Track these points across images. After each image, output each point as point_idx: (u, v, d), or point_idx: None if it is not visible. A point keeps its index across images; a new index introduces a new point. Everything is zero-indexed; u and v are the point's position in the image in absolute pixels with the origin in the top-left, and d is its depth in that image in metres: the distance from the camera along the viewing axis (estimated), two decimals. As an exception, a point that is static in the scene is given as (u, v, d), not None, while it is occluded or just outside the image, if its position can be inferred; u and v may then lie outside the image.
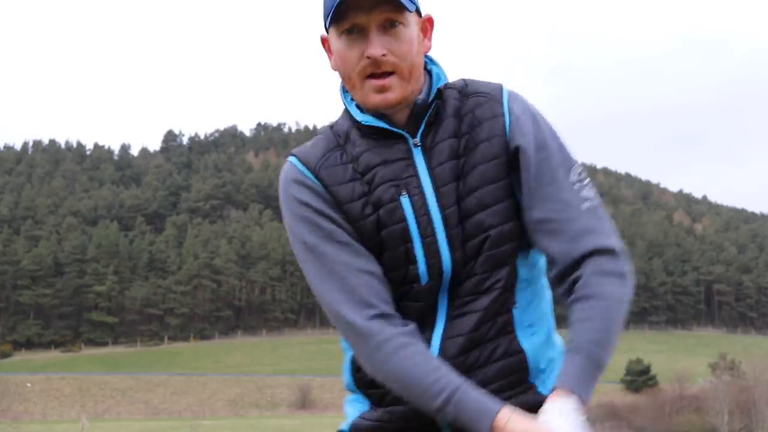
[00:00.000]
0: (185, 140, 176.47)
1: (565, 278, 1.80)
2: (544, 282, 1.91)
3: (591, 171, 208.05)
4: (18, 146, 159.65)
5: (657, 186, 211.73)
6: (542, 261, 1.88)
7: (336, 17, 1.71)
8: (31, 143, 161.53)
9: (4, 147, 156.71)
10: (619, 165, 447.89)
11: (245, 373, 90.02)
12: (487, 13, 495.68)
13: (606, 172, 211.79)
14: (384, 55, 1.70)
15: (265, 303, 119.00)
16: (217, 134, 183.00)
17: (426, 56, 1.83)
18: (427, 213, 1.77)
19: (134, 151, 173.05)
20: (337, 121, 1.89)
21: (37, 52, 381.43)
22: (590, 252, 1.77)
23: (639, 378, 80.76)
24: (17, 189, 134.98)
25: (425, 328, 1.80)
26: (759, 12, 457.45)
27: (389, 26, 1.72)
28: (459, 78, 1.91)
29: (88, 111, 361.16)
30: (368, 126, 1.79)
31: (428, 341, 1.79)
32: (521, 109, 1.84)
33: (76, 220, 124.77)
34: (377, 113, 1.78)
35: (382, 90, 1.73)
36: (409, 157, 1.78)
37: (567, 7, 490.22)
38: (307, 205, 1.79)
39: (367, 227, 1.78)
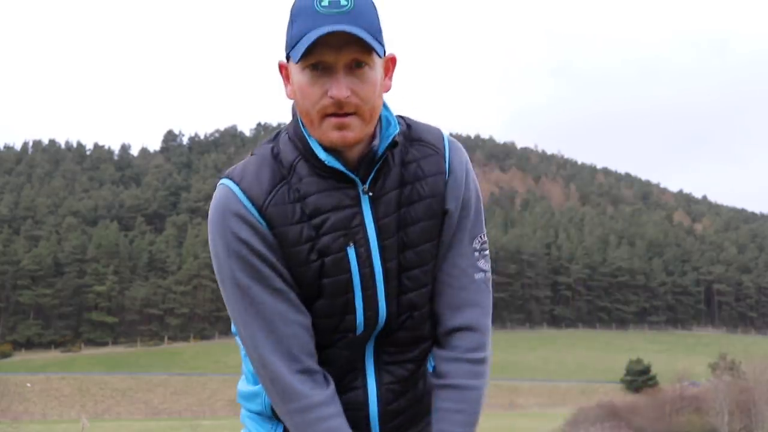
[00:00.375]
0: (185, 140, 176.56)
1: (438, 341, 1.89)
2: None
3: (591, 171, 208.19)
4: (18, 146, 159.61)
5: (657, 186, 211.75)
6: None
7: (303, 52, 1.67)
8: (31, 143, 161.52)
9: (4, 147, 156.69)
10: (619, 165, 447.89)
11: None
12: (487, 13, 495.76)
13: (606, 172, 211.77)
14: (348, 96, 1.68)
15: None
16: (217, 134, 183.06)
17: None
18: (371, 265, 1.78)
19: (134, 151, 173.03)
20: (280, 147, 1.82)
21: (37, 52, 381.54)
22: (465, 327, 1.87)
23: (639, 378, 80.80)
24: (17, 189, 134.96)
25: (355, 376, 1.84)
26: (759, 12, 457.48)
27: (355, 66, 1.69)
28: (397, 115, 1.89)
29: (88, 111, 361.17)
30: (323, 165, 1.76)
31: (361, 388, 1.85)
32: (459, 167, 1.85)
33: (76, 220, 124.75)
34: (330, 149, 1.75)
35: (341, 128, 1.70)
36: (357, 204, 1.77)
37: (567, 8, 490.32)
38: (245, 243, 1.73)
39: (309, 273, 1.76)
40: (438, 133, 1.89)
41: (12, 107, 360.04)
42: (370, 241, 1.78)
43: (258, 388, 1.91)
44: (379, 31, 1.73)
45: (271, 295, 1.75)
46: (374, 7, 1.75)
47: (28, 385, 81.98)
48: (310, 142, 1.76)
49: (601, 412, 53.82)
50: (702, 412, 52.78)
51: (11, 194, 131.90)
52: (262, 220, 1.74)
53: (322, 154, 1.74)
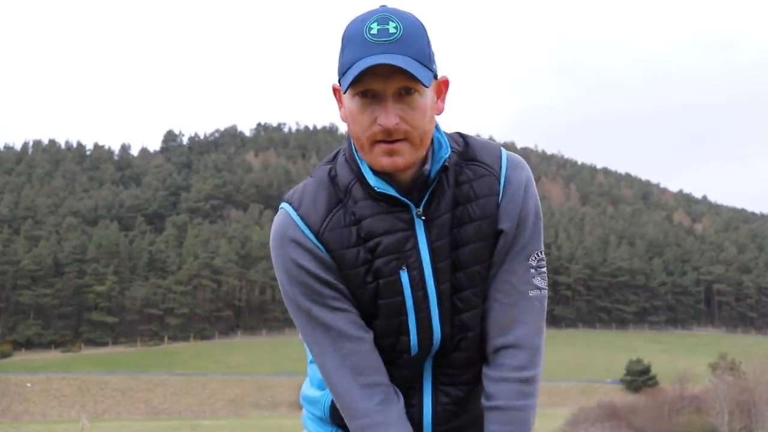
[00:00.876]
0: (185, 140, 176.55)
1: (486, 359, 1.89)
2: None
3: (591, 171, 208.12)
4: (18, 146, 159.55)
5: (657, 186, 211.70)
6: None
7: (351, 81, 1.69)
8: (31, 143, 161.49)
9: (4, 147, 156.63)
10: (619, 165, 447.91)
11: (245, 373, 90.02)
12: (492, 14, 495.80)
13: (606, 172, 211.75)
14: (396, 124, 1.70)
15: (265, 303, 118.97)
16: (217, 134, 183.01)
17: None
18: (424, 288, 1.82)
19: (134, 151, 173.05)
20: (337, 170, 1.85)
21: (37, 52, 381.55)
22: (512, 345, 1.85)
23: (639, 378, 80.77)
24: (17, 189, 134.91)
25: (412, 393, 1.89)
26: (760, 14, 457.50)
27: (405, 93, 1.71)
28: (457, 133, 1.93)
29: (88, 111, 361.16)
30: (375, 189, 1.79)
31: (417, 407, 1.89)
32: (517, 185, 1.86)
33: (76, 220, 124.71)
34: (382, 173, 1.79)
35: (391, 153, 1.73)
36: (411, 228, 1.80)
37: (571, 8, 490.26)
38: (304, 268, 1.79)
39: (366, 295, 1.81)
40: (495, 152, 1.88)
41: (12, 107, 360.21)
42: (424, 264, 1.80)
43: (320, 394, 1.97)
44: (429, 57, 1.73)
45: (334, 315, 1.79)
46: (424, 32, 1.75)
47: (28, 385, 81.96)
48: (362, 167, 1.80)
49: (602, 412, 53.84)
50: (702, 412, 52.81)
51: (11, 194, 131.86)
52: (319, 245, 1.78)
53: (372, 180, 1.78)
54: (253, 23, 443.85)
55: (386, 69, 1.68)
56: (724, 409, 50.78)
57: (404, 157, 1.73)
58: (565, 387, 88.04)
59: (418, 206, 1.80)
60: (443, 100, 1.83)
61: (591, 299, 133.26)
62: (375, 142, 1.73)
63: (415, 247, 1.80)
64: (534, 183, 1.90)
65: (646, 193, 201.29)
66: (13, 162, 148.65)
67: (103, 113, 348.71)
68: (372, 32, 1.70)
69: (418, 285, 1.81)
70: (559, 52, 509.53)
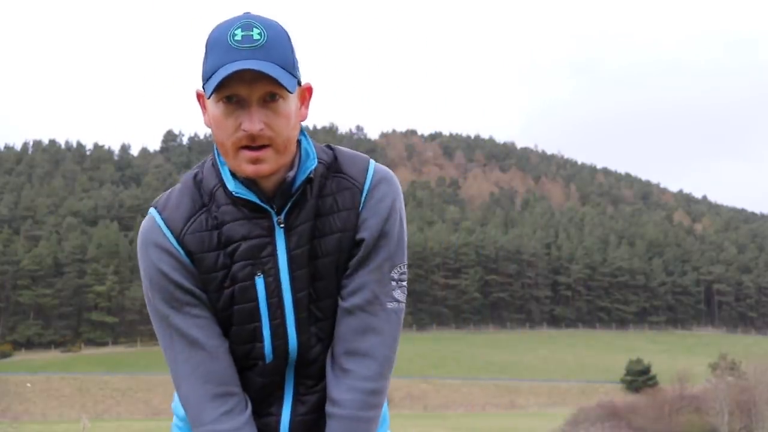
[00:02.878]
0: (185, 140, 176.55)
1: (334, 362, 1.88)
2: None
3: (591, 171, 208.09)
4: (18, 146, 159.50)
5: (657, 186, 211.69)
6: None
7: (215, 86, 1.70)
8: (31, 143, 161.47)
9: (4, 147, 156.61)
10: (619, 165, 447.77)
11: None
12: (494, 12, 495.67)
13: (606, 172, 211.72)
14: (261, 129, 1.70)
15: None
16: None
17: None
18: (279, 295, 1.82)
19: (134, 151, 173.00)
20: (203, 175, 1.86)
21: (37, 52, 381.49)
22: (363, 353, 1.84)
23: (639, 378, 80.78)
24: (17, 189, 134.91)
25: (271, 402, 1.90)
26: (762, 15, 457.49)
27: (269, 99, 1.71)
28: (326, 145, 1.93)
29: (88, 111, 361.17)
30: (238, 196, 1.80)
31: (275, 416, 1.90)
32: (379, 197, 1.86)
33: (76, 220, 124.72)
34: (246, 178, 1.79)
35: (255, 161, 1.73)
36: (270, 235, 1.80)
37: (570, 8, 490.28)
38: (164, 274, 1.79)
39: (223, 300, 1.82)
40: (363, 164, 1.89)
41: (12, 107, 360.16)
42: (281, 271, 1.81)
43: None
44: (293, 63, 1.75)
45: (190, 321, 1.81)
46: (288, 39, 1.76)
47: (28, 385, 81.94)
48: (222, 173, 1.81)
49: (602, 412, 53.85)
50: (702, 412, 52.79)
51: (11, 194, 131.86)
52: (180, 248, 1.79)
53: (231, 185, 1.79)
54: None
55: (251, 75, 1.68)
56: (724, 409, 50.77)
57: (269, 164, 1.74)
58: (565, 387, 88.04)
59: (279, 214, 1.81)
60: (307, 107, 1.84)
61: (591, 299, 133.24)
62: (239, 148, 1.73)
63: (273, 254, 1.80)
64: (401, 198, 1.90)
65: (646, 193, 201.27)
66: (13, 162, 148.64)
67: (103, 113, 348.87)
68: (236, 38, 1.70)
69: (274, 292, 1.82)
70: (561, 52, 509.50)
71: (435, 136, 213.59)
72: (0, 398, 75.90)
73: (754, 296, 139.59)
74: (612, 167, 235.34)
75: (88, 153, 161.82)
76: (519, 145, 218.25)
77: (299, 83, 1.79)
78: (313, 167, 1.83)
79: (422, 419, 66.79)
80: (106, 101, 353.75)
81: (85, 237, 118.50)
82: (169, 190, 1.88)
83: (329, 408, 1.86)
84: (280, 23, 1.79)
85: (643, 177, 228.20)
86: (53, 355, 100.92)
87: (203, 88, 1.76)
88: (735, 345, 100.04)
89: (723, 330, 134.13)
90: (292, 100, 1.76)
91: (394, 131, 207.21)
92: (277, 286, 1.82)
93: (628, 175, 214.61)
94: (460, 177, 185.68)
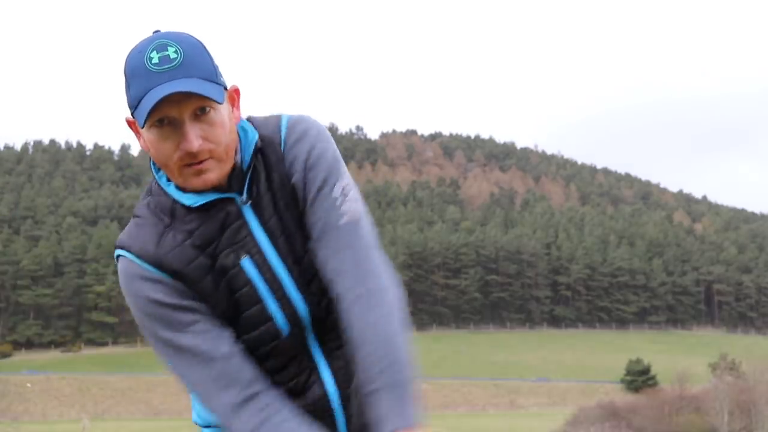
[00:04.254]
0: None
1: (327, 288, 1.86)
2: None
3: (591, 171, 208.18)
4: (18, 146, 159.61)
5: (657, 186, 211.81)
6: None
7: (146, 115, 1.69)
8: (31, 143, 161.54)
9: (4, 147, 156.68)
10: (619, 165, 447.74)
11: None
12: (503, 10, 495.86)
13: (606, 172, 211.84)
14: (200, 145, 1.71)
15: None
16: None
17: None
18: (270, 269, 1.82)
19: (134, 151, 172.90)
20: (152, 199, 1.85)
21: (37, 52, 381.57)
22: (341, 270, 1.81)
23: (639, 378, 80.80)
24: (17, 189, 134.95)
25: (309, 375, 1.88)
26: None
27: (200, 113, 1.71)
28: (245, 119, 1.93)
29: (88, 111, 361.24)
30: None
31: (317, 382, 1.88)
32: (295, 139, 1.87)
33: (76, 220, 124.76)
34: None
35: (199, 173, 1.74)
36: (241, 217, 1.81)
37: (575, 6, 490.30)
38: (159, 302, 1.79)
39: (221, 298, 1.81)
40: (276, 121, 1.91)
41: (12, 107, 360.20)
42: (262, 246, 1.82)
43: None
44: (214, 72, 1.74)
45: (197, 338, 1.79)
46: (203, 49, 1.75)
47: (28, 385, 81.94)
48: (169, 191, 1.81)
49: (602, 412, 53.84)
50: (702, 412, 52.75)
51: (11, 194, 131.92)
52: (163, 274, 1.79)
53: (188, 200, 1.79)
54: (251, 23, 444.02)
55: (178, 95, 1.67)
56: (724, 409, 50.74)
57: (214, 173, 1.75)
58: (565, 387, 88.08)
59: (241, 195, 1.82)
60: (238, 108, 1.84)
61: (591, 299, 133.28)
62: (182, 166, 1.73)
63: (249, 233, 1.81)
64: (322, 130, 1.91)
65: (646, 193, 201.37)
66: (13, 162, 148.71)
67: (103, 113, 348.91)
68: (153, 62, 1.69)
69: (264, 267, 1.82)
70: (561, 51, 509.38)
71: (435, 136, 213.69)
72: (0, 398, 75.92)
73: (754, 296, 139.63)
74: (612, 167, 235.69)
75: (88, 153, 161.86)
76: (519, 145, 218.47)
77: (225, 88, 1.78)
78: (256, 137, 1.84)
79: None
80: (106, 101, 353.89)
81: (85, 237, 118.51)
82: (126, 228, 1.86)
83: (349, 334, 1.85)
84: (192, 35, 1.77)
85: (643, 177, 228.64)
86: (53, 355, 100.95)
87: (132, 116, 1.76)
88: (735, 345, 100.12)
89: (723, 330, 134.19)
90: (223, 107, 1.76)
91: (394, 131, 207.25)
92: (264, 261, 1.82)
93: (628, 175, 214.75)
94: (460, 177, 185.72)
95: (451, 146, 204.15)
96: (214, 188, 1.80)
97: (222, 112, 1.75)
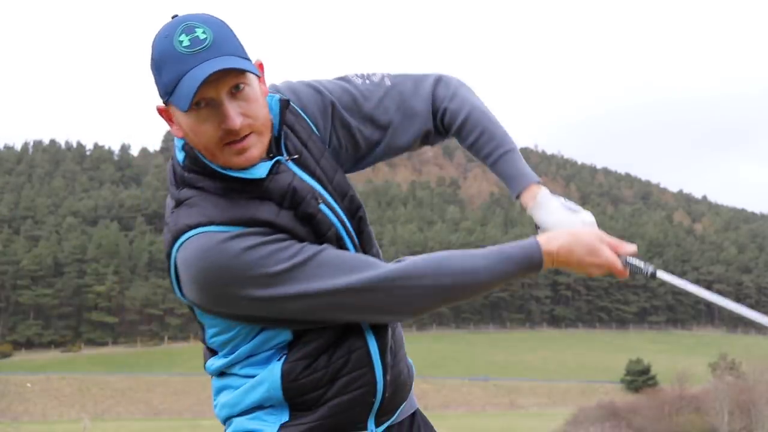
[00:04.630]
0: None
1: (437, 125, 2.11)
2: None
3: (591, 171, 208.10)
4: (18, 146, 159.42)
5: (657, 186, 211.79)
6: None
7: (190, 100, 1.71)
8: (31, 143, 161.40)
9: (4, 147, 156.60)
10: (619, 165, 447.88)
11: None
12: (502, 10, 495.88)
13: (606, 172, 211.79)
14: (242, 122, 1.74)
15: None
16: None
17: None
18: (336, 211, 1.91)
19: (134, 151, 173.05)
20: (202, 185, 1.85)
21: (37, 52, 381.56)
22: (431, 94, 2.08)
23: (639, 378, 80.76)
24: (17, 189, 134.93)
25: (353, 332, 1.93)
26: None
27: (235, 90, 1.74)
28: None
29: (88, 111, 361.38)
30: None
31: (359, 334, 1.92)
32: (295, 93, 2.00)
33: (76, 220, 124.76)
34: None
35: (242, 152, 1.77)
36: (294, 174, 1.87)
37: (575, 6, 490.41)
38: (261, 243, 1.77)
39: (312, 242, 1.86)
40: (274, 88, 2.00)
41: (12, 107, 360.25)
42: (322, 193, 1.90)
43: (270, 384, 1.90)
44: (242, 48, 1.78)
45: (315, 246, 1.84)
46: (228, 27, 1.78)
47: (28, 385, 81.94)
48: (221, 170, 1.82)
49: (601, 412, 53.85)
50: (702, 412, 52.76)
51: (11, 194, 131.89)
52: (252, 228, 1.80)
53: (257, 173, 1.81)
54: (251, 23, 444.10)
55: (214, 75, 1.69)
56: (724, 409, 50.75)
57: (256, 149, 1.79)
58: (565, 387, 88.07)
59: (283, 156, 1.87)
60: (264, 82, 1.87)
61: (591, 299, 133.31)
62: (224, 145, 1.76)
63: (307, 184, 1.87)
64: (299, 80, 2.06)
65: (646, 193, 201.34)
66: (13, 162, 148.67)
67: (103, 113, 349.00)
68: (185, 45, 1.70)
69: (333, 210, 1.89)
70: (561, 51, 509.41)
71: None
72: (0, 398, 75.92)
73: (754, 296, 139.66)
74: (612, 167, 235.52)
75: (88, 153, 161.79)
76: (519, 145, 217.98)
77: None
78: (277, 99, 1.88)
79: (422, 419, 66.67)
80: (106, 101, 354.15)
81: (85, 237, 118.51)
82: (183, 213, 1.85)
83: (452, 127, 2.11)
84: (213, 14, 1.79)
85: (643, 177, 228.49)
86: (53, 355, 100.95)
87: (165, 103, 1.78)
88: (735, 345, 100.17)
89: (723, 330, 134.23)
90: (255, 82, 1.79)
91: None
92: (330, 205, 1.89)
93: (628, 175, 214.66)
94: (460, 177, 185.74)
95: (451, 146, 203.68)
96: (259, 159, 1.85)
97: (255, 86, 1.79)
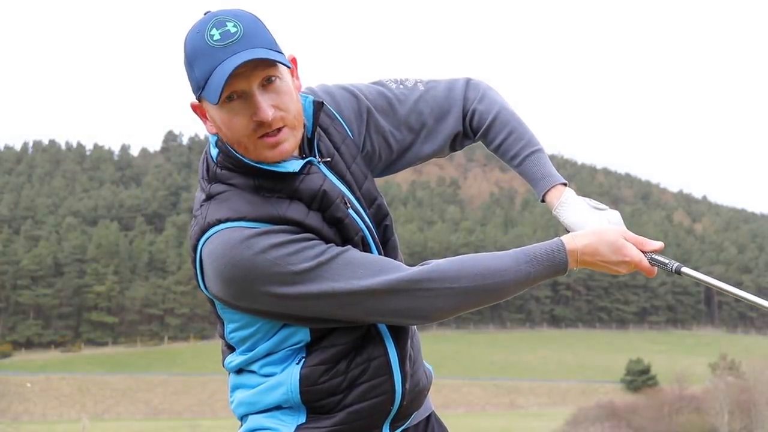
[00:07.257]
0: (185, 140, 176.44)
1: (465, 127, 2.14)
2: None
3: (591, 171, 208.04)
4: (18, 146, 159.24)
5: (657, 186, 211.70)
6: None
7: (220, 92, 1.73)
8: (31, 143, 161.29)
9: (4, 147, 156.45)
10: (619, 165, 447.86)
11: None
12: (502, 9, 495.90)
13: (606, 172, 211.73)
14: (273, 113, 1.76)
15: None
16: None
17: None
18: (361, 216, 1.92)
19: (134, 151, 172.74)
20: (234, 182, 1.85)
21: (37, 52, 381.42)
22: (462, 97, 2.12)
23: (639, 378, 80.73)
24: (17, 189, 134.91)
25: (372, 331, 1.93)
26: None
27: (267, 83, 1.75)
28: None
29: (88, 111, 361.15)
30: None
31: (380, 341, 1.93)
32: (331, 96, 2.02)
33: (76, 220, 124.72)
34: None
35: (275, 145, 1.78)
36: (325, 176, 1.88)
37: (575, 6, 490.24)
38: (289, 242, 1.78)
39: (338, 245, 1.87)
40: (309, 91, 2.03)
41: (12, 107, 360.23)
42: (350, 197, 1.92)
43: (289, 386, 1.90)
44: (274, 41, 1.78)
45: (340, 247, 1.85)
46: (259, 20, 1.79)
47: (28, 385, 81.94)
48: (254, 165, 1.83)
49: (601, 412, 53.88)
50: (702, 412, 52.79)
51: (11, 194, 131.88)
52: (280, 226, 1.81)
53: (290, 167, 1.82)
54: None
55: (245, 67, 1.70)
56: (724, 409, 50.77)
57: (288, 143, 1.80)
58: (565, 387, 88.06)
59: (315, 157, 1.89)
60: (298, 77, 1.88)
61: (591, 299, 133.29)
62: (257, 138, 1.77)
63: (337, 188, 1.89)
64: (336, 83, 2.08)
65: (646, 193, 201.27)
66: (13, 162, 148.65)
67: (103, 113, 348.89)
68: (215, 39, 1.72)
69: (359, 215, 1.91)
70: (560, 51, 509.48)
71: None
72: (0, 398, 75.92)
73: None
74: (612, 167, 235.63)
75: (88, 153, 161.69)
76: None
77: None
78: (311, 100, 1.89)
79: (422, 419, 66.66)
80: (106, 101, 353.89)
81: (85, 237, 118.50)
82: (212, 208, 1.82)
83: (480, 131, 2.14)
84: (245, 9, 1.81)
85: (643, 177, 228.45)
86: (53, 355, 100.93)
87: (202, 97, 1.79)
88: (735, 345, 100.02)
89: (723, 330, 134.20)
90: (287, 76, 1.80)
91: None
92: (357, 209, 1.90)
93: (628, 175, 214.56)
94: (460, 177, 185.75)
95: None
96: (291, 158, 1.86)
97: (287, 80, 1.79)
